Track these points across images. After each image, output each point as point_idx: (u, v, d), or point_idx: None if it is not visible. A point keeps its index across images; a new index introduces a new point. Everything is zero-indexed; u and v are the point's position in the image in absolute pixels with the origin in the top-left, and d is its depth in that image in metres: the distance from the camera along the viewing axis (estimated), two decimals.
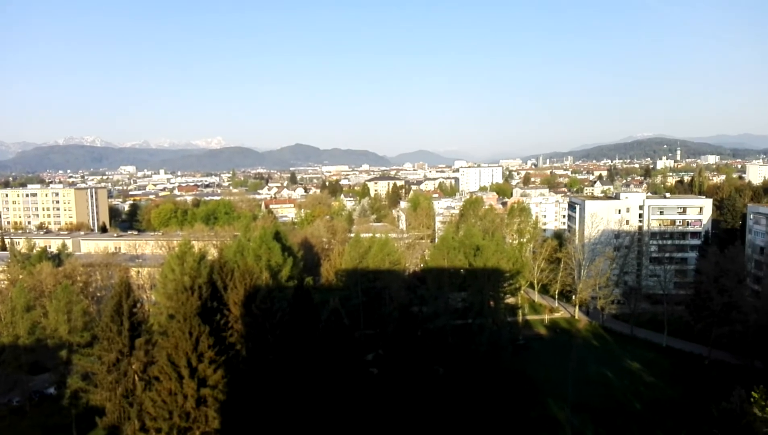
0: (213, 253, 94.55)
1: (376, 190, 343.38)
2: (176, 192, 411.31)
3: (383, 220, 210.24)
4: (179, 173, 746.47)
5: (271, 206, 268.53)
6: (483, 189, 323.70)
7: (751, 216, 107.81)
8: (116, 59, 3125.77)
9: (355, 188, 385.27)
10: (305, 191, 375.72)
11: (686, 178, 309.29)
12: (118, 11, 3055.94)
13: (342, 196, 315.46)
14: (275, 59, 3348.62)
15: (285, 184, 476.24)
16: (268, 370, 49.26)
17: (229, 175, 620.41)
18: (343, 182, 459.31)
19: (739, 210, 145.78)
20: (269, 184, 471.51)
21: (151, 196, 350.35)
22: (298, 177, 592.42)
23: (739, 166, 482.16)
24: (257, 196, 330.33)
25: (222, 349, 47.20)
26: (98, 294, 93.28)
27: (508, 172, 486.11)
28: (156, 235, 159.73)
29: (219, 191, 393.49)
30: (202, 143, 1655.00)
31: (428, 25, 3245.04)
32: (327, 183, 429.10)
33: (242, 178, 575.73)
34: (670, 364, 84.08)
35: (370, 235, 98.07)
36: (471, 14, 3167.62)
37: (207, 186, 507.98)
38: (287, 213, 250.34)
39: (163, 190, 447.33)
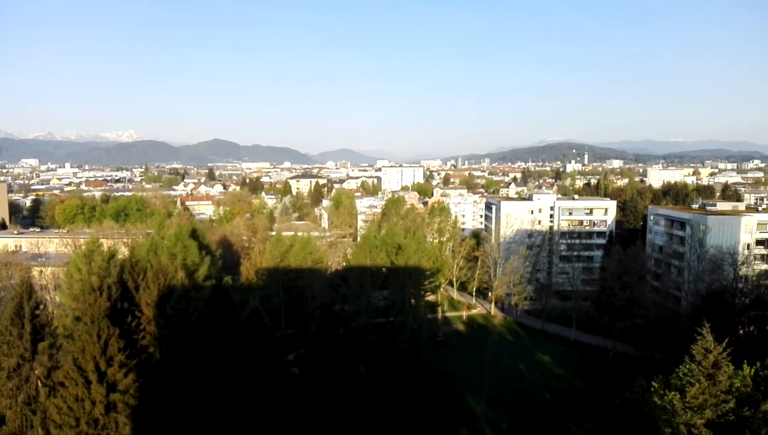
0: (124, 252, 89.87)
1: (298, 188, 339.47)
2: (83, 187, 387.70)
3: (305, 218, 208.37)
4: (87, 167, 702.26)
5: (187, 203, 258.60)
6: (405, 188, 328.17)
7: (651, 217, 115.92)
8: (19, 43, 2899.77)
9: (277, 186, 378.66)
10: (224, 188, 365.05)
11: (593, 181, 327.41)
12: None
13: (263, 193, 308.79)
14: (193, 51, 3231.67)
15: (202, 180, 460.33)
16: (183, 373, 47.54)
17: (142, 170, 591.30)
18: (264, 180, 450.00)
19: (640, 211, 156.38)
20: (185, 180, 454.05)
21: (56, 191, 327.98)
22: (217, 173, 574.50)
23: (641, 170, 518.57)
24: (172, 193, 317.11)
25: (133, 353, 45.11)
26: None
27: (428, 173, 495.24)
28: (61, 232, 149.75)
29: (131, 187, 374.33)
30: (113, 136, 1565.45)
31: (350, 22, 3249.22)
32: (247, 180, 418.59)
33: (156, 174, 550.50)
34: (578, 357, 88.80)
35: (292, 233, 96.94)
36: (393, 14, 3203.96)
37: (117, 181, 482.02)
38: (205, 210, 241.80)
39: (69, 184, 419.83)
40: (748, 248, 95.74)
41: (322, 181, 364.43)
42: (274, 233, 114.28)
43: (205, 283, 71.69)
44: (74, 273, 65.44)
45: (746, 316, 74.01)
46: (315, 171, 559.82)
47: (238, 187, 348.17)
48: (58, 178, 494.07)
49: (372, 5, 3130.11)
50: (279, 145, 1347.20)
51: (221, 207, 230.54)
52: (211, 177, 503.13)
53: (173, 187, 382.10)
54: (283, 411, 49.71)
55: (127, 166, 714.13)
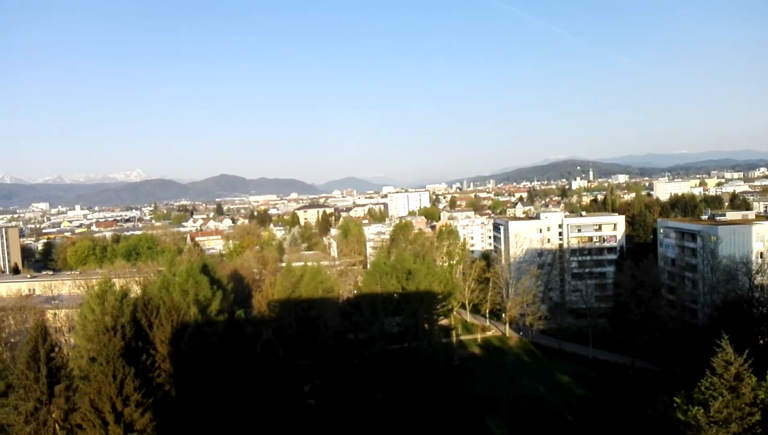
0: (136, 291, 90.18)
1: (305, 219, 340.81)
2: (94, 228, 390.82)
3: (314, 248, 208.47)
4: (96, 208, 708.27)
5: (197, 239, 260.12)
6: (412, 213, 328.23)
7: (661, 230, 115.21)
8: (24, 89, 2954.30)
9: (285, 217, 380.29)
10: (233, 222, 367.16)
11: (599, 197, 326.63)
12: (22, 35, 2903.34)
13: (271, 225, 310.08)
14: (195, 87, 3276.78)
15: (211, 215, 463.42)
16: (199, 410, 47.29)
17: (151, 209, 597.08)
18: (272, 212, 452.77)
19: (649, 225, 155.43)
20: (194, 217, 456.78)
21: (67, 234, 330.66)
22: (225, 208, 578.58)
23: (647, 183, 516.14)
24: (182, 229, 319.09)
25: (149, 391, 45.02)
26: (12, 340, 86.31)
27: (434, 197, 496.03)
28: (73, 274, 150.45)
29: (140, 226, 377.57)
30: (121, 176, 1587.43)
31: (348, 53, 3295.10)
32: (255, 213, 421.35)
33: (165, 211, 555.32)
34: (597, 375, 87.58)
35: (302, 263, 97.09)
36: (391, 41, 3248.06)
37: (127, 220, 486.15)
38: (215, 245, 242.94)
39: (80, 226, 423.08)
40: (761, 257, 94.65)
41: (329, 211, 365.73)
42: (284, 264, 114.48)
43: (217, 318, 71.54)
44: (88, 314, 65.63)
45: (765, 326, 72.96)
46: (322, 200, 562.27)
47: (246, 221, 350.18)
48: (68, 221, 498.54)
49: (374, 31, 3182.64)
50: (285, 176, 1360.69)
51: (230, 241, 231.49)
52: (219, 212, 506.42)
53: (182, 223, 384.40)
54: None
55: (136, 205, 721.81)
